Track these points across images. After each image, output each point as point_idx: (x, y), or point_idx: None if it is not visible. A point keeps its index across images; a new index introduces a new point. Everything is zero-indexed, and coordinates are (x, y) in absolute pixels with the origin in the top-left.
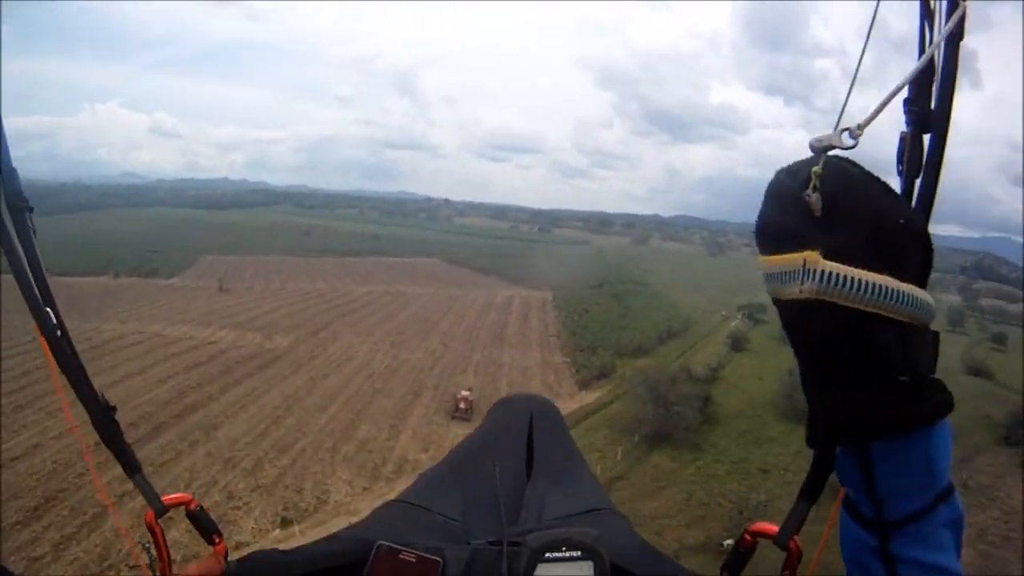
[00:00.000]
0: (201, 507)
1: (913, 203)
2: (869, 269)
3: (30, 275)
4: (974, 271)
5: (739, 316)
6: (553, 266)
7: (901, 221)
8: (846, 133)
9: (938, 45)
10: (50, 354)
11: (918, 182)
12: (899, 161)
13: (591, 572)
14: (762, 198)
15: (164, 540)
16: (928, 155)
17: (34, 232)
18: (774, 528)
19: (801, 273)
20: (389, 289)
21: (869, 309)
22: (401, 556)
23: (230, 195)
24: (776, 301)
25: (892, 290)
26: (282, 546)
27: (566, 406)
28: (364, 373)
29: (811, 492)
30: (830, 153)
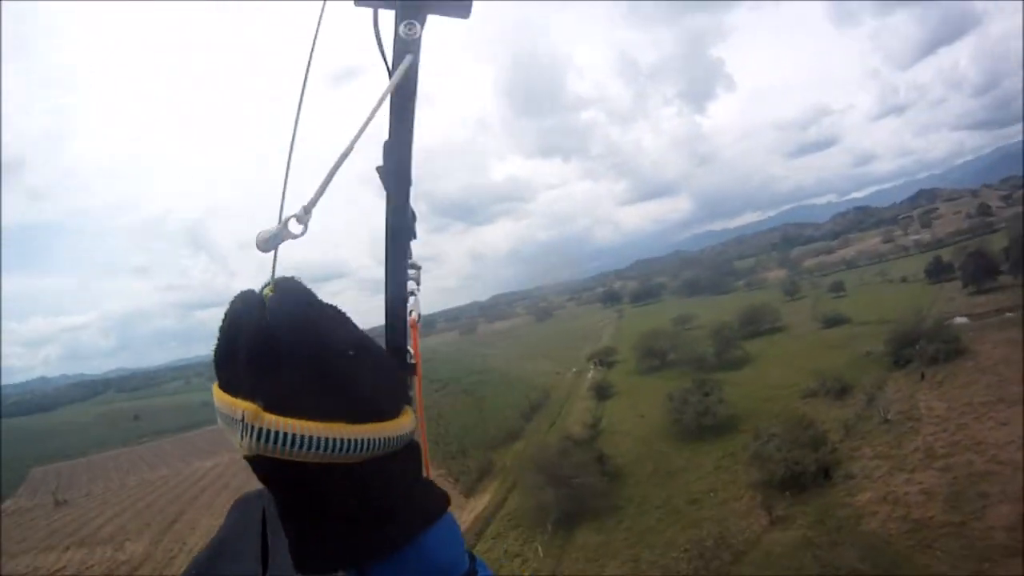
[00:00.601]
0: None
1: (389, 259)
2: (317, 417)
3: None
4: (784, 244)
5: (592, 366)
6: None
7: (350, 353)
8: (292, 220)
9: (383, 100)
10: None
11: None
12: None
13: None
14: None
15: None
16: (391, 212)
17: None
18: None
19: (241, 427)
20: (235, 456)
21: (315, 460)
22: None
23: (51, 395)
24: None
25: (341, 440)
26: None
27: (461, 520)
28: None
29: None
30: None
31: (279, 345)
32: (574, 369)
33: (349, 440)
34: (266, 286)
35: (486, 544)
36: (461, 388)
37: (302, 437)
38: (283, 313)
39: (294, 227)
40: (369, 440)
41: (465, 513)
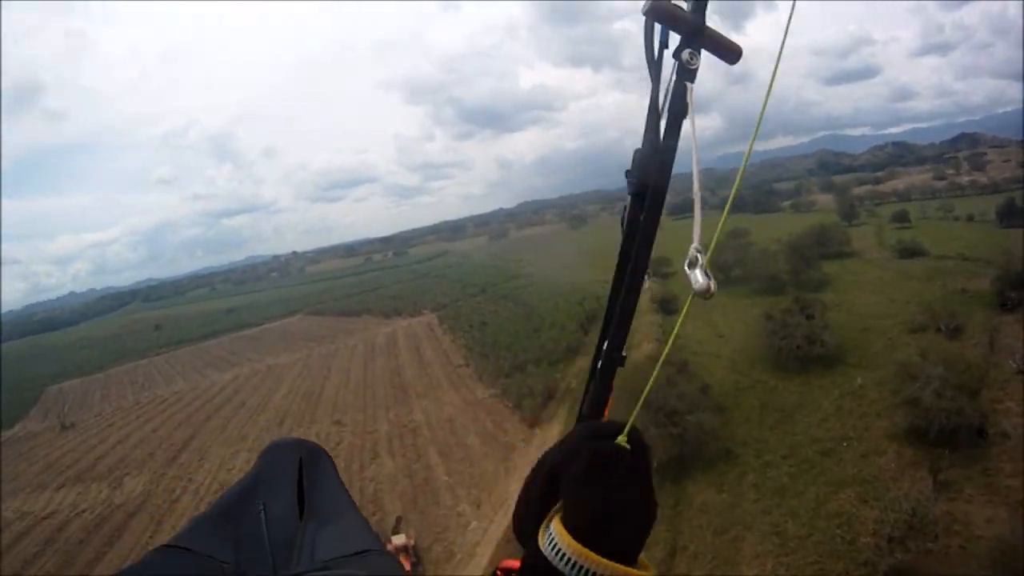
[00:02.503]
0: None
1: (632, 263)
2: (597, 550)
3: None
4: (820, 170)
5: (647, 278)
6: (422, 285)
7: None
8: (704, 284)
9: (661, 123)
10: None
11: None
12: (621, 223)
13: None
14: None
15: None
16: (644, 220)
17: None
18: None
19: (545, 527)
20: (257, 366)
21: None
22: None
23: (78, 309)
24: None
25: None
26: None
27: (528, 459)
28: None
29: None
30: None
31: (654, 512)
32: None
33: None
34: (620, 435)
35: None
36: (501, 294)
37: (567, 555)
38: (649, 481)
39: (698, 282)
40: None
41: (533, 450)
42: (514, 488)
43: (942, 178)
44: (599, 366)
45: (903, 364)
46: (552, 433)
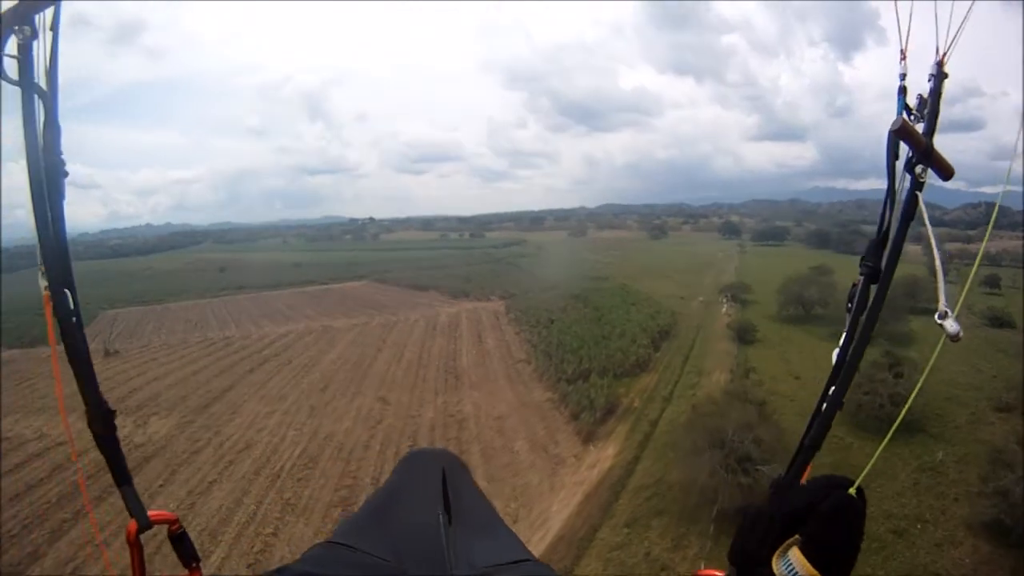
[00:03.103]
0: (184, 531)
1: (856, 337)
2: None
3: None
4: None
5: (723, 300)
6: (495, 271)
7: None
8: (956, 328)
9: (892, 222)
10: (59, 341)
11: (862, 319)
12: (849, 301)
13: None
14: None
15: (142, 557)
16: (873, 302)
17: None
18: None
19: (782, 555)
20: (312, 325)
21: None
22: None
23: (152, 240)
24: None
25: None
26: None
27: (576, 478)
28: (268, 471)
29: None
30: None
31: (829, 528)
32: (700, 298)
33: None
34: (851, 487)
35: (617, 535)
36: (573, 294)
37: None
38: (844, 515)
39: (951, 327)
40: None
41: (584, 469)
42: (556, 508)
43: None
44: (823, 408)
45: (997, 449)
46: (607, 452)
